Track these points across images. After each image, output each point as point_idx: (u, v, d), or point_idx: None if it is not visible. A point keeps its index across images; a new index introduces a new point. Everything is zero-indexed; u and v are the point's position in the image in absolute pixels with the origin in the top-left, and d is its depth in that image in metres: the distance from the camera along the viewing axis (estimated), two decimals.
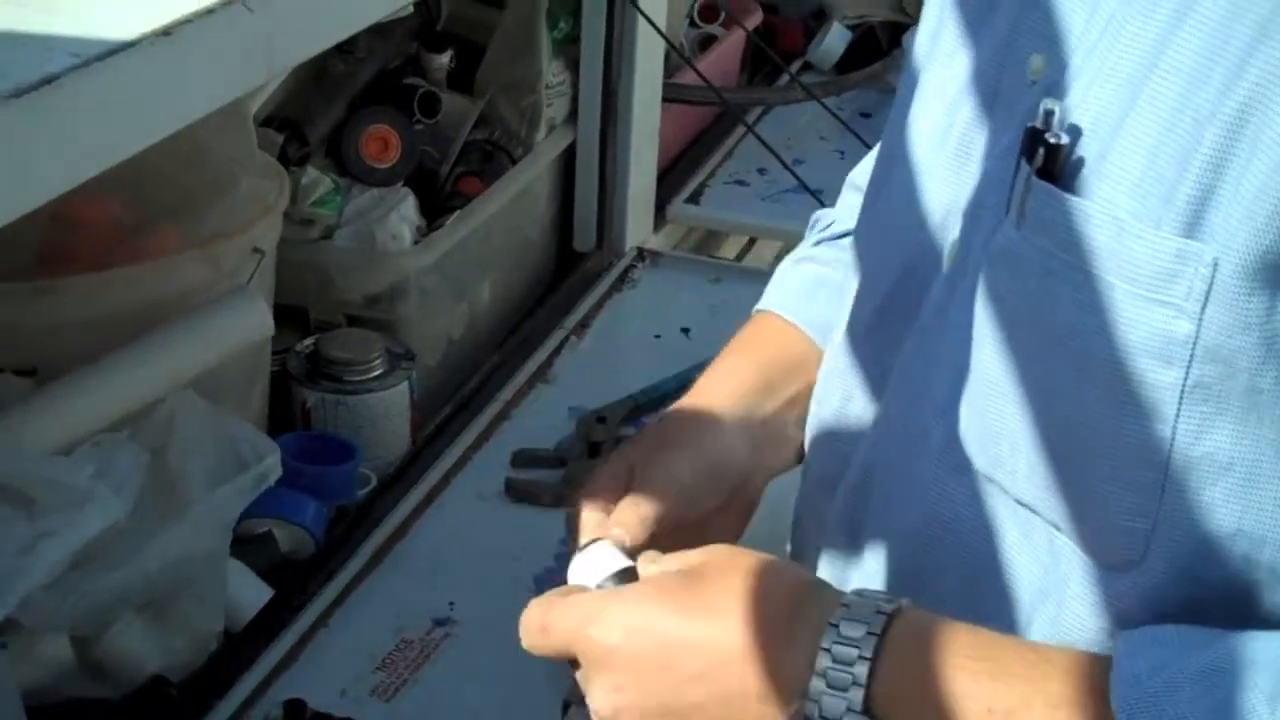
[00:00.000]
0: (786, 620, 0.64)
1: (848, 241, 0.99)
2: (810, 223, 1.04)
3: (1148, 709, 0.56)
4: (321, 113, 1.30)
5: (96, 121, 0.68)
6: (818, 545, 0.85)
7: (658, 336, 1.44)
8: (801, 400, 0.94)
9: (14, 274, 1.00)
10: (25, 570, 0.78)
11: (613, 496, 0.80)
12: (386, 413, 1.22)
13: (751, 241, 1.82)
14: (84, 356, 0.97)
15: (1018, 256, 0.65)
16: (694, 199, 1.72)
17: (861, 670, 0.61)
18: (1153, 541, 0.62)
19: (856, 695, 0.61)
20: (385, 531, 1.14)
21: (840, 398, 0.85)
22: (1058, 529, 0.66)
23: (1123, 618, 0.64)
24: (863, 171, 0.98)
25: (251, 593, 1.04)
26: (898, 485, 0.76)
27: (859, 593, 0.65)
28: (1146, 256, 0.59)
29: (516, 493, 1.21)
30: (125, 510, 0.84)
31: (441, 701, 1.00)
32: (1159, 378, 0.60)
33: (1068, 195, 0.62)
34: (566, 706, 0.94)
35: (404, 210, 1.32)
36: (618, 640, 0.66)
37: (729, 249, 1.82)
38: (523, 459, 1.25)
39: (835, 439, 0.86)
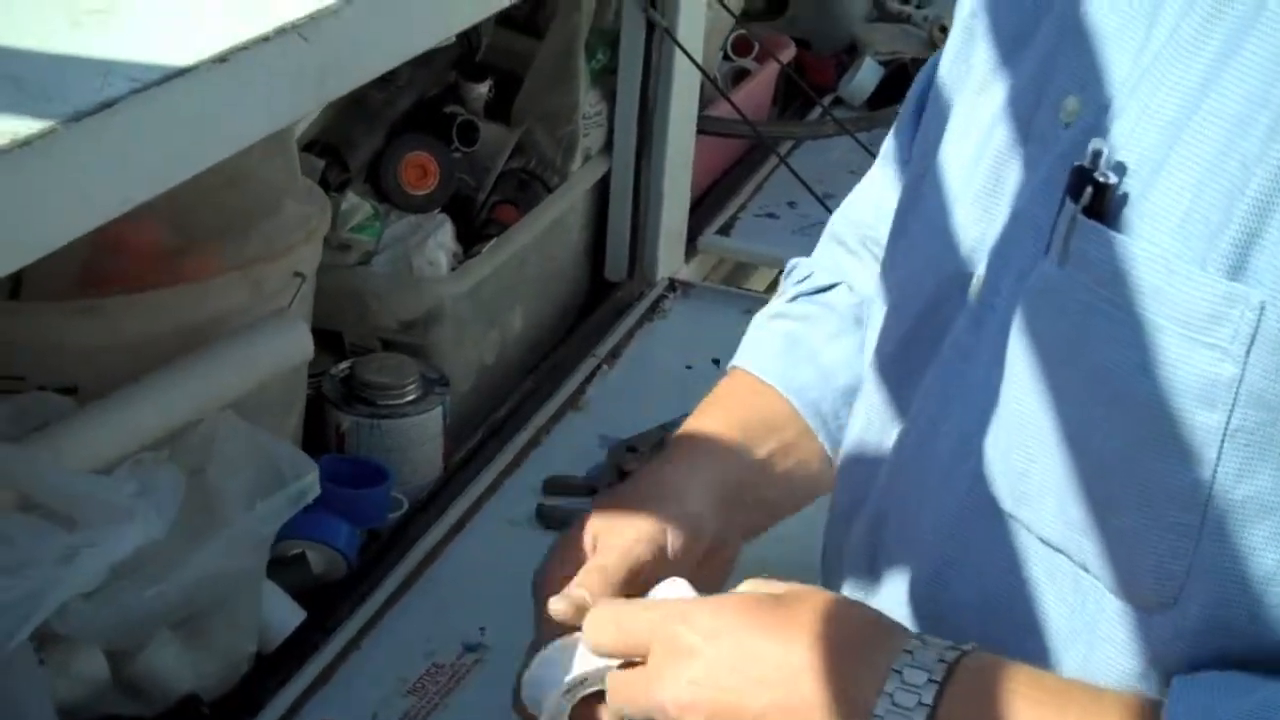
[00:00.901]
0: (856, 651, 0.65)
1: (826, 297, 0.99)
2: (786, 269, 1.02)
3: None
4: (362, 139, 1.32)
5: (152, 146, 0.69)
6: (840, 575, 0.85)
7: (689, 367, 1.45)
8: (776, 460, 0.94)
9: (58, 294, 1.01)
10: (64, 580, 0.78)
11: (573, 567, 0.79)
12: (420, 437, 1.23)
13: (781, 274, 1.82)
14: (125, 376, 0.98)
15: (1058, 294, 0.65)
16: (725, 231, 1.73)
17: (920, 716, 0.62)
18: (1188, 584, 0.61)
19: None
20: (417, 556, 1.15)
21: (860, 428, 0.85)
22: (1085, 570, 0.66)
23: (1155, 659, 0.64)
24: (843, 220, 0.98)
25: (284, 614, 1.05)
26: (914, 521, 0.76)
27: (923, 639, 0.65)
28: (1193, 298, 0.59)
29: (547, 520, 1.22)
30: (165, 528, 0.84)
31: None
32: (1201, 420, 0.59)
33: (1115, 234, 0.62)
34: None
35: (441, 237, 1.33)
36: (699, 640, 0.67)
37: (758, 281, 1.83)
38: (554, 486, 1.26)
39: (855, 470, 0.86)
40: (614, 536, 0.80)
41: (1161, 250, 0.60)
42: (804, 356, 0.94)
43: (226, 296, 1.04)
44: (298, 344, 1.03)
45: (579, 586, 0.77)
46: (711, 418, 0.93)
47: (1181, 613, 0.62)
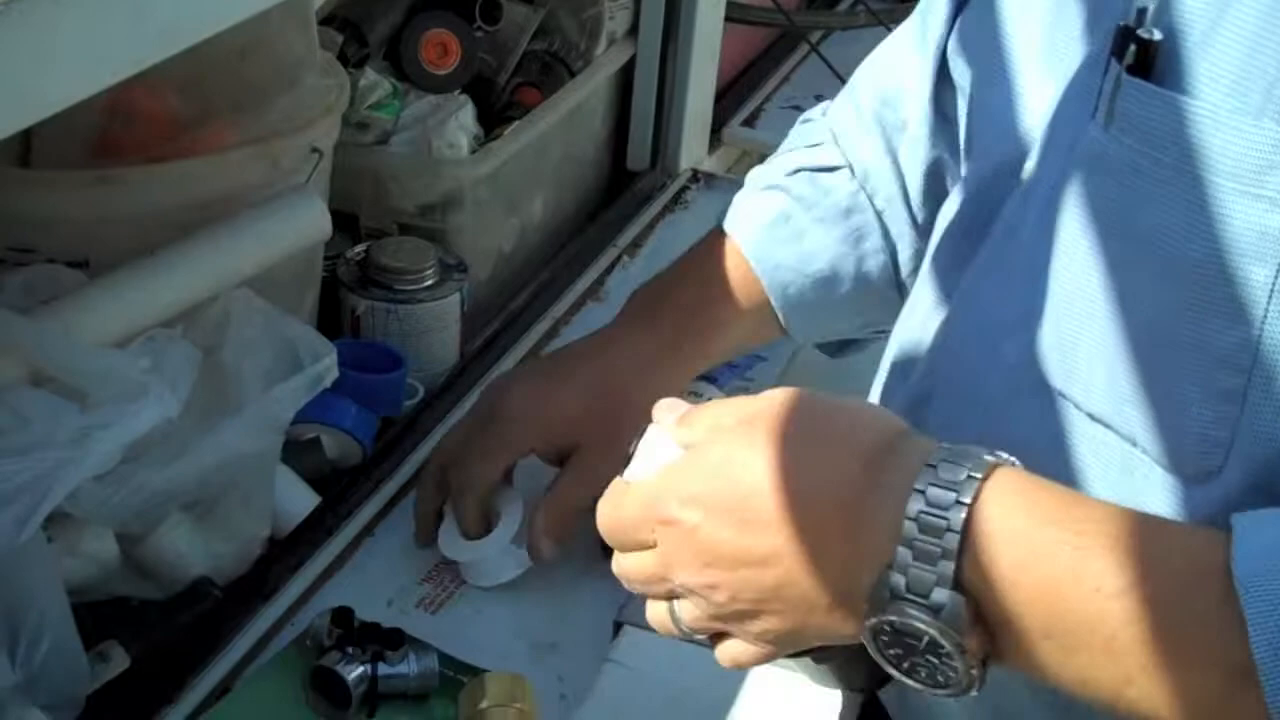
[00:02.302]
0: (866, 472, 0.61)
1: (827, 179, 0.98)
2: (801, 118, 1.02)
3: (1274, 579, 0.53)
4: (381, 14, 1.27)
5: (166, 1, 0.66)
6: None
7: None
8: (728, 343, 0.99)
9: (68, 163, 0.98)
10: (77, 461, 0.76)
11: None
12: (437, 323, 1.20)
13: None
14: (137, 250, 0.95)
15: (1105, 158, 0.63)
16: (750, 122, 1.69)
17: (958, 517, 0.57)
18: (1233, 450, 0.61)
19: (947, 564, 0.57)
20: (433, 444, 1.13)
21: (908, 312, 0.84)
22: (1133, 443, 0.65)
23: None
24: (868, 82, 0.97)
25: (298, 499, 1.03)
26: (958, 405, 0.75)
27: (948, 449, 0.61)
28: (1243, 149, 0.58)
29: None
30: (179, 406, 0.82)
31: (488, 617, 0.98)
32: (1249, 276, 0.58)
33: (1162, 90, 0.60)
34: (618, 627, 0.93)
35: (462, 118, 1.29)
36: (695, 514, 0.64)
37: None
38: None
39: (900, 356, 0.85)
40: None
41: (1211, 105, 0.59)
42: (788, 236, 0.95)
43: (242, 170, 1.01)
44: (316, 221, 1.00)
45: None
46: (686, 292, 0.99)
47: (1225, 481, 0.61)
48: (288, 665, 0.91)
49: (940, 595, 0.58)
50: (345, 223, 1.25)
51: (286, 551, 0.99)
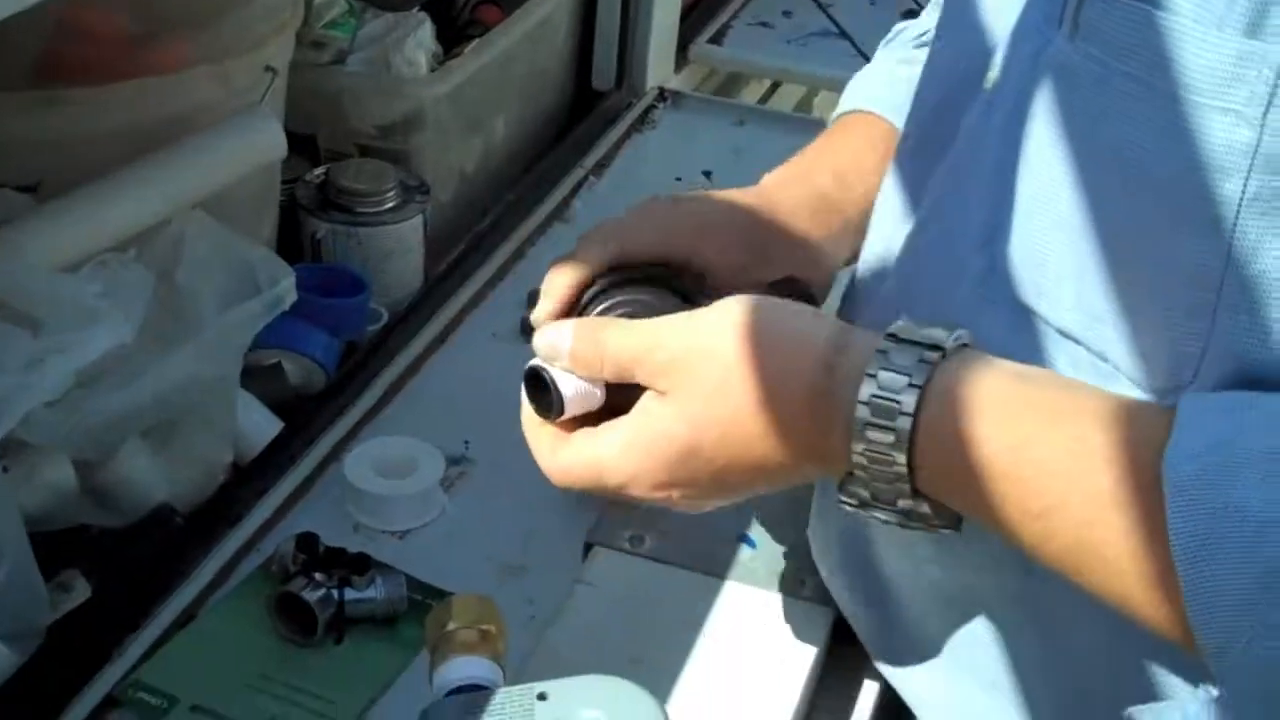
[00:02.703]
0: (819, 361, 0.64)
1: (921, 41, 0.96)
2: (892, 32, 1.01)
3: (1203, 492, 0.53)
4: None
5: None
6: None
7: (678, 179, 1.40)
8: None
9: (16, 84, 0.95)
10: (30, 386, 0.74)
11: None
12: (399, 246, 1.18)
13: (775, 86, 1.77)
14: (88, 173, 0.93)
15: (1070, 69, 0.62)
16: (717, 39, 1.67)
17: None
18: (1203, 364, 0.60)
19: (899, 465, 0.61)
20: (397, 369, 1.11)
21: (876, 223, 0.83)
22: (1104, 359, 0.64)
23: None
24: None
25: (261, 424, 1.01)
26: (920, 311, 0.74)
27: (894, 335, 0.63)
28: (1207, 61, 0.56)
29: (531, 333, 1.17)
30: (133, 331, 0.80)
31: (457, 540, 0.97)
32: (1216, 190, 0.57)
33: (1126, 0, 0.59)
34: (588, 548, 0.92)
35: (420, 36, 1.26)
36: (665, 495, 0.68)
37: (751, 92, 1.77)
38: (538, 299, 1.21)
39: (867, 270, 0.84)
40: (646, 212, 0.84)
41: (1175, 14, 0.57)
42: (904, 87, 0.92)
43: (195, 90, 0.98)
44: (270, 140, 0.98)
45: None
46: (818, 146, 0.92)
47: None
48: (253, 592, 0.90)
49: (904, 503, 0.62)
50: (303, 145, 1.23)
51: (250, 477, 0.98)
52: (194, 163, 0.94)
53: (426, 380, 1.12)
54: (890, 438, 0.60)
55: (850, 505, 0.64)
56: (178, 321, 0.88)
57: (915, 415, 0.60)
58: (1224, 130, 0.57)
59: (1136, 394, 0.63)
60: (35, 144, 0.94)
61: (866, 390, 0.61)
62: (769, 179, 0.90)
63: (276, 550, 0.91)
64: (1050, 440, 0.59)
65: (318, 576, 0.88)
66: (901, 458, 0.61)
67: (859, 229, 0.85)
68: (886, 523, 0.64)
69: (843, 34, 1.58)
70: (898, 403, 0.60)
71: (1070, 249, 0.63)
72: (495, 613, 0.76)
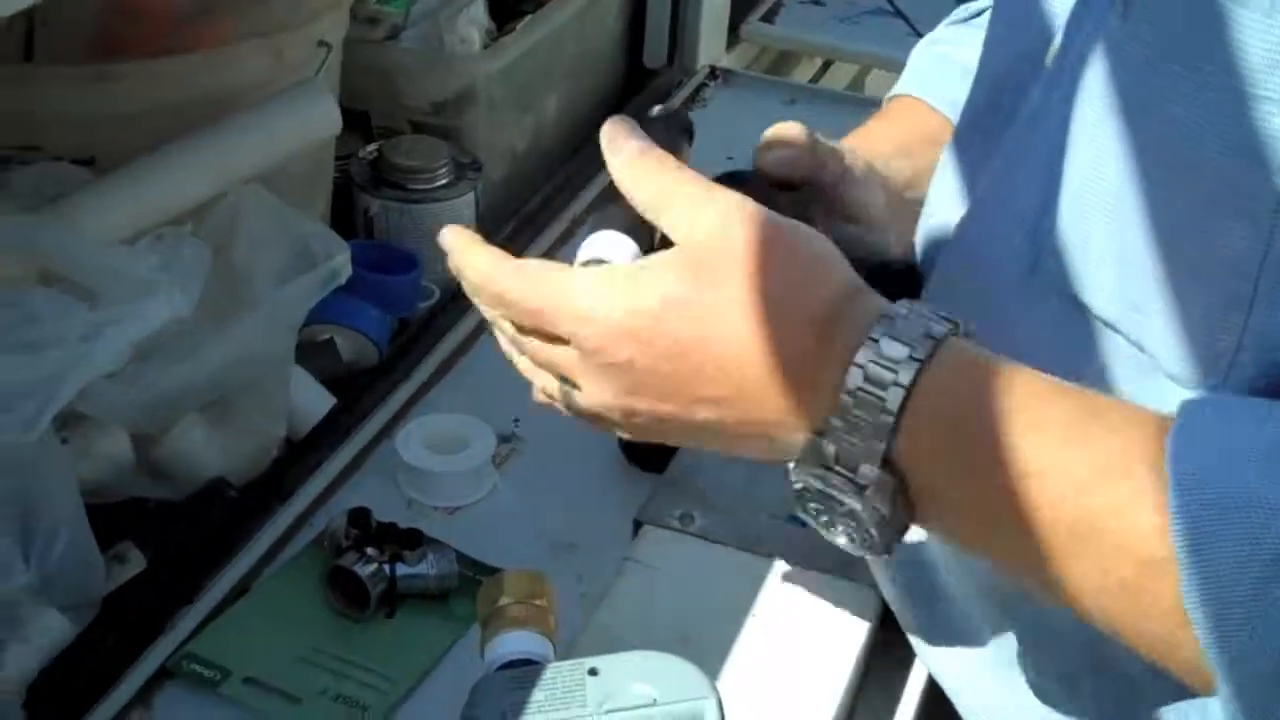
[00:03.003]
0: (819, 335, 0.60)
1: (978, 20, 0.95)
2: (957, 11, 1.00)
3: (1209, 478, 0.52)
4: None
5: None
6: None
7: (730, 158, 1.38)
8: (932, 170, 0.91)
9: (71, 59, 0.96)
10: (87, 358, 0.75)
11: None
12: (452, 223, 1.17)
13: (826, 65, 1.75)
14: (143, 147, 0.93)
15: (1120, 49, 0.61)
16: (769, 18, 1.66)
17: (895, 397, 0.57)
18: (1237, 359, 0.58)
19: (878, 443, 0.57)
20: (449, 345, 1.11)
21: (932, 205, 0.82)
22: (1141, 349, 0.63)
23: None
24: None
25: (314, 400, 1.02)
26: (968, 299, 0.73)
27: (907, 305, 0.59)
28: (1254, 46, 0.55)
29: None
30: (190, 304, 0.80)
31: (507, 518, 0.97)
32: (1257, 179, 0.56)
33: None
34: (638, 526, 0.92)
35: (473, 12, 1.26)
36: (628, 353, 0.61)
37: (803, 71, 1.76)
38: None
39: (924, 253, 0.83)
40: None
41: None
42: (955, 73, 0.91)
43: (248, 64, 0.98)
44: (325, 115, 0.98)
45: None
46: (872, 129, 0.91)
47: (1232, 389, 0.59)
48: (306, 566, 0.91)
49: (868, 471, 0.58)
50: (356, 122, 1.23)
51: (303, 453, 0.98)
52: (248, 138, 0.94)
53: (477, 358, 1.12)
54: (891, 376, 0.57)
55: (801, 479, 0.60)
56: (234, 297, 0.88)
57: (927, 359, 0.57)
58: (1264, 119, 0.55)
59: (1172, 387, 0.61)
60: (90, 118, 0.95)
61: (880, 329, 0.58)
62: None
63: (329, 525, 0.92)
64: (1055, 407, 0.57)
65: (370, 551, 0.88)
66: (897, 399, 0.57)
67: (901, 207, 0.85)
68: (825, 511, 0.60)
69: (897, 12, 1.57)
70: (911, 346, 0.57)
71: (1113, 233, 0.62)
72: (547, 588, 0.76)
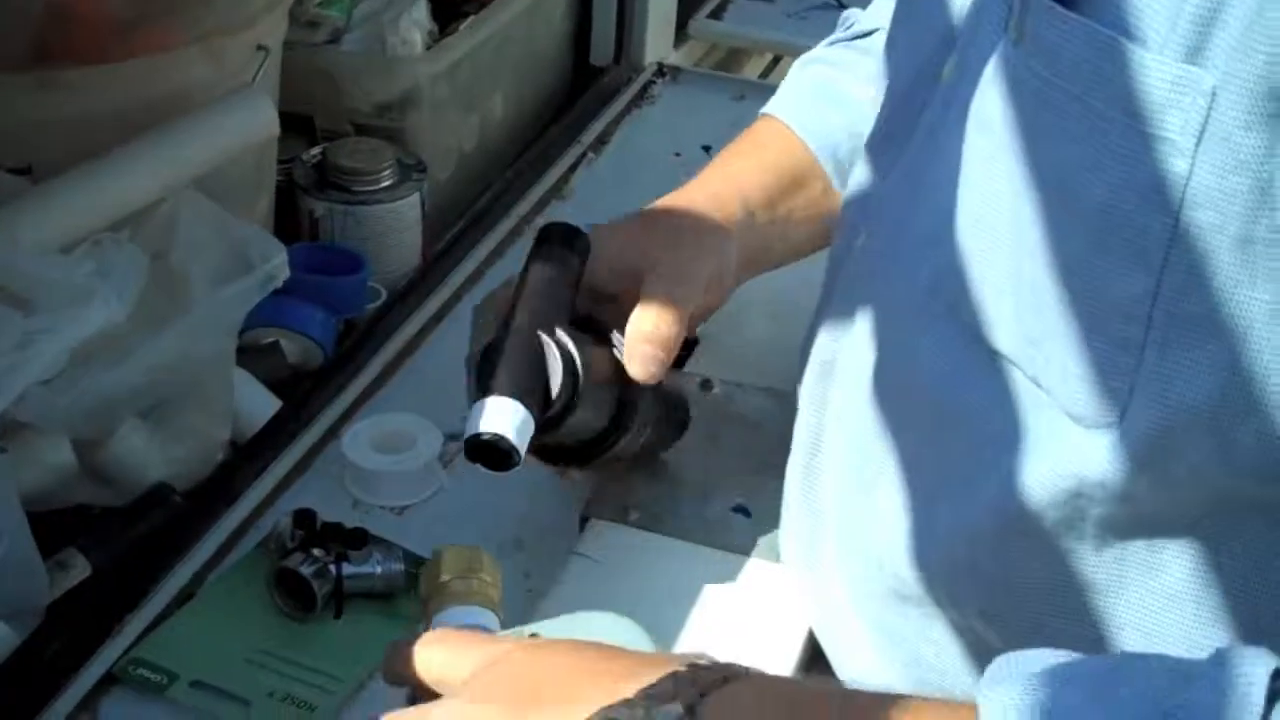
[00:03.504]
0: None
1: (864, 42, 0.95)
2: (839, 21, 1.00)
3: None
4: None
5: None
6: (801, 374, 0.83)
7: (678, 154, 1.39)
8: (796, 214, 0.91)
9: (8, 67, 0.96)
10: (21, 365, 0.75)
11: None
12: (397, 225, 1.18)
13: (775, 60, 1.76)
14: (81, 154, 0.93)
15: (1013, 79, 0.60)
16: (716, 14, 1.66)
17: None
18: (1132, 402, 0.58)
19: None
20: (395, 346, 1.11)
21: (842, 220, 0.82)
22: (1037, 384, 0.62)
23: (1099, 478, 0.61)
24: None
25: (259, 403, 1.02)
26: (874, 322, 0.73)
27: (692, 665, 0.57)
28: (1144, 84, 0.54)
29: None
30: (125, 309, 0.81)
31: (454, 517, 0.97)
32: (1147, 222, 0.55)
33: (1068, 13, 0.57)
34: (584, 522, 0.93)
35: (415, 13, 1.26)
36: None
37: (752, 67, 1.76)
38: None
39: (830, 278, 0.83)
40: (675, 271, 0.82)
41: (1115, 33, 0.55)
42: (832, 102, 0.91)
43: (186, 70, 0.98)
44: (263, 120, 0.98)
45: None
46: (742, 161, 0.92)
47: (1129, 432, 0.59)
48: (252, 569, 0.91)
49: None
50: (300, 125, 1.23)
51: (248, 456, 0.98)
52: (186, 143, 0.94)
53: (425, 358, 1.12)
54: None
55: None
56: (172, 301, 0.88)
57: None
58: (1157, 161, 0.55)
59: (1069, 426, 0.61)
60: (28, 126, 0.95)
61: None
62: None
63: (274, 527, 0.91)
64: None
65: (315, 552, 0.88)
66: None
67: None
68: None
69: (842, 6, 1.57)
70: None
71: (1010, 267, 0.62)
72: (486, 561, 0.75)
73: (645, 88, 1.50)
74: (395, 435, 1.00)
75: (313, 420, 1.02)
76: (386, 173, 1.18)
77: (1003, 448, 0.64)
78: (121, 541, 0.89)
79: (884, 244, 0.73)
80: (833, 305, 0.77)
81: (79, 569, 0.87)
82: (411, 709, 0.62)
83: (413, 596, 0.89)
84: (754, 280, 1.16)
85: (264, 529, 0.94)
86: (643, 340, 0.81)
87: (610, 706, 0.54)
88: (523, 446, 0.76)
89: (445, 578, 0.74)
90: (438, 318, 1.16)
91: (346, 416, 1.04)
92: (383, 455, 0.98)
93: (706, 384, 1.01)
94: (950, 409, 0.66)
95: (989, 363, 0.64)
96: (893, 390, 0.70)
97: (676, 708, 0.53)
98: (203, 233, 0.91)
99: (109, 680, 0.83)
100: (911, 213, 0.69)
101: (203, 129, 0.95)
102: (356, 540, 0.89)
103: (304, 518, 0.90)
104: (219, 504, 0.94)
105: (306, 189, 1.17)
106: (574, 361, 0.79)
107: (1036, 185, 0.59)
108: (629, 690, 0.54)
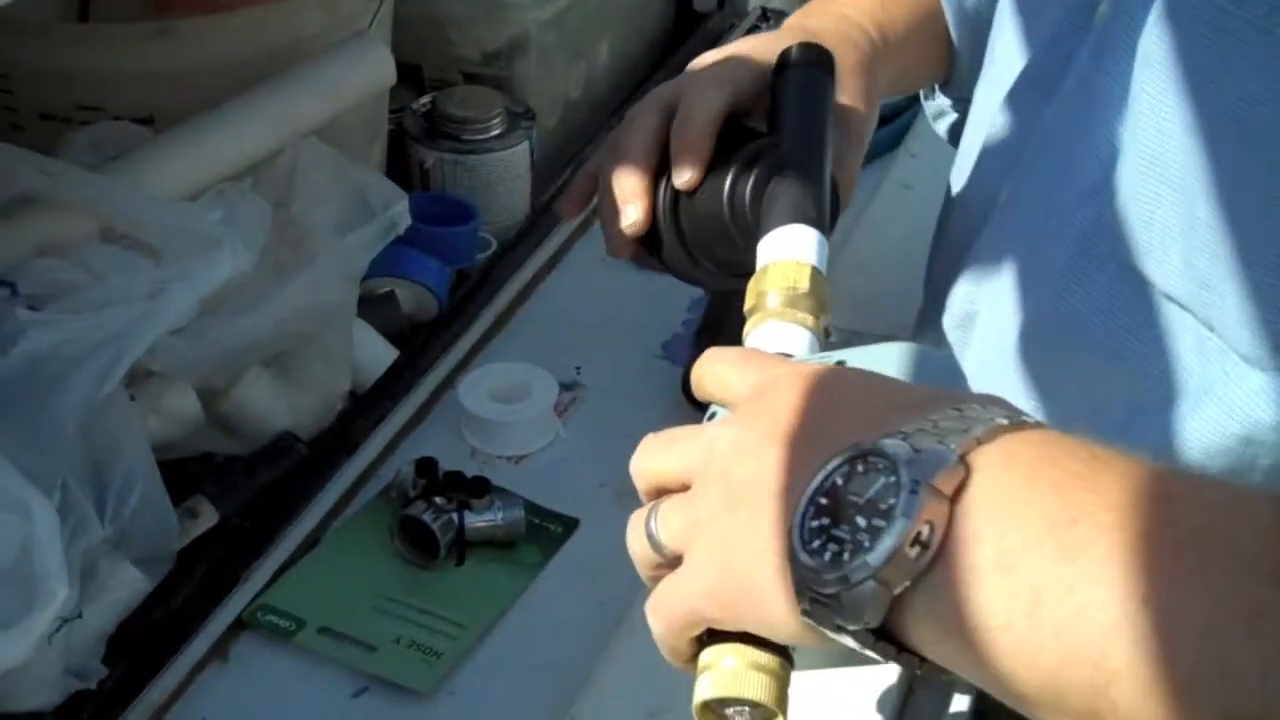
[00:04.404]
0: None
1: None
2: None
3: None
4: None
5: None
6: (938, 319, 0.81)
7: None
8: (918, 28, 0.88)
9: (128, 18, 0.96)
10: (154, 315, 0.75)
11: None
12: (507, 173, 1.18)
13: None
14: (201, 104, 0.93)
15: (1187, 12, 0.58)
16: None
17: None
18: None
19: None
20: (508, 295, 1.11)
21: (980, 166, 0.80)
22: (1209, 327, 0.60)
23: (1273, 425, 0.59)
24: None
25: (377, 353, 1.02)
26: (1023, 273, 0.71)
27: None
28: None
29: (641, 258, 1.17)
30: (253, 258, 0.81)
31: (572, 465, 0.97)
32: None
33: None
34: None
35: None
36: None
37: None
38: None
39: (963, 220, 0.81)
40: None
41: None
42: None
43: (302, 18, 0.98)
44: (380, 67, 0.98)
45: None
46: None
47: None
48: (375, 517, 0.91)
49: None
50: (409, 74, 1.22)
51: (368, 405, 0.99)
52: (305, 92, 0.94)
53: (537, 306, 1.12)
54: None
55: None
56: (295, 250, 0.88)
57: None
58: None
59: (1244, 369, 0.59)
60: (149, 76, 0.95)
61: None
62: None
63: (396, 475, 0.92)
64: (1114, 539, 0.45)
65: (438, 500, 0.88)
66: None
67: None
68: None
69: None
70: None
71: (1179, 209, 0.60)
72: (813, 281, 0.65)
73: (749, 32, 1.48)
74: (511, 384, 1.00)
75: (429, 370, 1.03)
76: (496, 121, 1.17)
77: (1167, 393, 0.62)
78: (247, 489, 0.90)
79: (1036, 196, 0.71)
80: (975, 257, 0.75)
81: (207, 516, 0.88)
82: (691, 426, 0.56)
83: (533, 546, 0.89)
84: (870, 228, 1.15)
85: (384, 478, 0.94)
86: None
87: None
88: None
89: (764, 290, 0.65)
90: (549, 266, 1.16)
91: (462, 366, 1.04)
92: (499, 404, 0.98)
93: (824, 332, 1.00)
94: (1110, 356, 0.65)
95: (1152, 307, 0.63)
96: (1046, 343, 0.69)
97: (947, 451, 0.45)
98: (323, 181, 0.91)
99: (239, 626, 0.84)
100: (1066, 163, 0.67)
101: (322, 78, 0.95)
102: (478, 489, 0.89)
103: (426, 466, 0.91)
104: (340, 453, 0.95)
105: (417, 138, 1.17)
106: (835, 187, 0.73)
107: (1213, 122, 0.58)
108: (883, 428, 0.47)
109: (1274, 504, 0.40)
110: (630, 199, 0.80)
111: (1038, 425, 0.46)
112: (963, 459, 0.44)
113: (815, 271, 0.65)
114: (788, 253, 0.66)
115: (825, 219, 0.68)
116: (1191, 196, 0.59)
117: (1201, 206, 0.59)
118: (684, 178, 0.76)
